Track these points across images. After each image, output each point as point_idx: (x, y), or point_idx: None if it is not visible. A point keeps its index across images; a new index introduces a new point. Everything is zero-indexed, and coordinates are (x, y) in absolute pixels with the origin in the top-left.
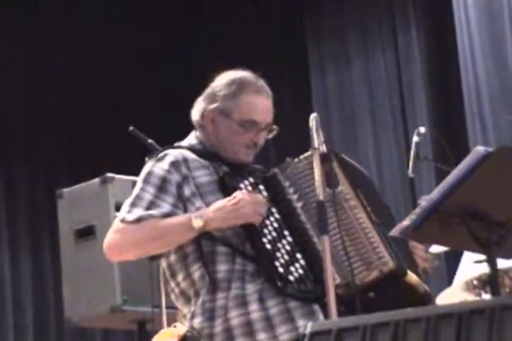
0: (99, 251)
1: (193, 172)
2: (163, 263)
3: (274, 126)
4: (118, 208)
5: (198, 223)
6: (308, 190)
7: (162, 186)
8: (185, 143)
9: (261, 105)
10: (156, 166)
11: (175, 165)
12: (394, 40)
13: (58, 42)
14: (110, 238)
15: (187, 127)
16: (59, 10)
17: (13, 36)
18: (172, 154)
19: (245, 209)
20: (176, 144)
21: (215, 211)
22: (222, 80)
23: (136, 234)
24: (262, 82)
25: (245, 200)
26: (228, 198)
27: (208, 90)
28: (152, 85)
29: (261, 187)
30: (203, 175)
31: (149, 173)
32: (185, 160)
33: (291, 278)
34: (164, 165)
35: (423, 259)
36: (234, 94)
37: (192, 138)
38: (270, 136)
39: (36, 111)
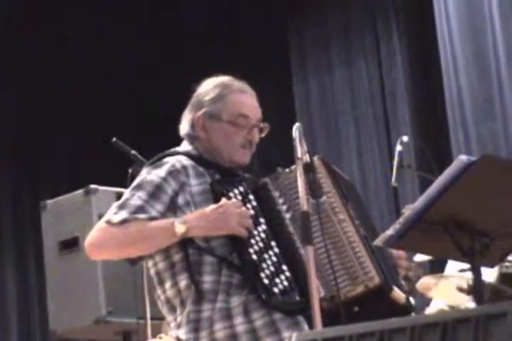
0: (83, 263)
1: (191, 180)
2: (151, 270)
3: (266, 124)
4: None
5: (180, 229)
6: (297, 201)
7: (155, 193)
8: (181, 149)
9: (248, 102)
10: (153, 173)
11: (173, 173)
12: (377, 49)
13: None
14: (92, 236)
15: (173, 139)
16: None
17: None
18: (170, 162)
19: (229, 221)
20: (173, 150)
21: (199, 218)
22: (205, 87)
23: (119, 234)
24: (244, 83)
25: (231, 212)
26: (214, 206)
27: (193, 100)
28: (137, 95)
29: (250, 196)
30: (199, 183)
31: (144, 179)
32: (184, 167)
33: (275, 289)
34: (161, 172)
35: (406, 269)
36: (219, 97)
37: (187, 145)
38: (263, 134)
39: (21, 122)
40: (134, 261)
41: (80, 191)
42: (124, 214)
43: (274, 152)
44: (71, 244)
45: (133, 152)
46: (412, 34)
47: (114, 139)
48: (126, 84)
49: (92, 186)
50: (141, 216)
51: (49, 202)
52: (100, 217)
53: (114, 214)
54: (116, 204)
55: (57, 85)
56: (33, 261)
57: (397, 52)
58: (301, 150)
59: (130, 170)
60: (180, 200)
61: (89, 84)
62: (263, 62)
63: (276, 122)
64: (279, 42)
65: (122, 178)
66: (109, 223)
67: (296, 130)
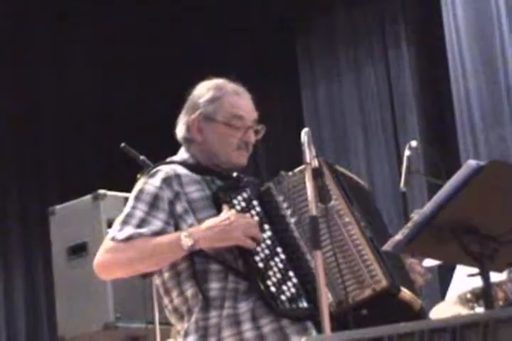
0: (91, 268)
1: (185, 188)
2: (157, 280)
3: (262, 126)
4: (110, 225)
5: (187, 242)
6: (301, 205)
7: (154, 203)
8: (177, 157)
9: (243, 103)
10: (148, 183)
11: (166, 181)
12: (385, 54)
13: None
14: (100, 257)
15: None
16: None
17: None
18: (164, 170)
19: (236, 232)
20: (169, 159)
21: (205, 230)
22: (199, 90)
23: (126, 253)
24: (239, 86)
25: (237, 222)
26: (220, 217)
27: (187, 103)
28: (144, 100)
29: (254, 202)
30: (195, 190)
31: (141, 190)
32: (178, 176)
33: (283, 297)
34: (156, 181)
35: (421, 274)
36: (214, 98)
37: (183, 153)
38: (259, 136)
39: (26, 128)
40: (146, 275)
41: (89, 196)
42: (128, 231)
43: (283, 159)
44: (79, 250)
45: (142, 157)
46: (421, 39)
47: (122, 144)
48: (139, 86)
49: (101, 191)
50: (145, 231)
51: (57, 207)
52: (109, 222)
53: (118, 231)
54: (118, 220)
55: (63, 88)
56: (42, 267)
57: (406, 57)
58: (309, 155)
59: (139, 176)
60: (179, 208)
61: (99, 86)
62: (271, 68)
63: (285, 129)
64: (287, 48)
65: (131, 183)
66: (114, 240)
67: (304, 135)
